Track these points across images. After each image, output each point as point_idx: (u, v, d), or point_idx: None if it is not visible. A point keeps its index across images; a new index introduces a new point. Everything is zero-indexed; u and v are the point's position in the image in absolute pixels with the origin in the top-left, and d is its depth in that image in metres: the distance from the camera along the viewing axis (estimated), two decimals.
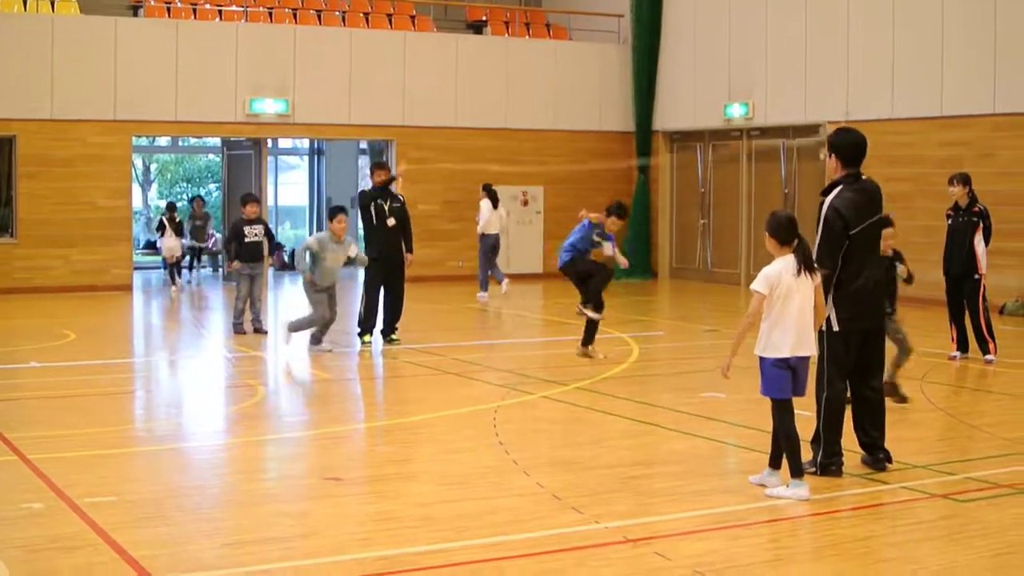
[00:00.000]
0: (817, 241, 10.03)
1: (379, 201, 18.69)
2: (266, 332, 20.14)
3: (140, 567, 7.75)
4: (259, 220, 20.63)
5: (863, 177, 10.28)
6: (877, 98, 26.14)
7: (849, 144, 10.26)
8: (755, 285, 9.56)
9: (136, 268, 30.46)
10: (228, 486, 10.30)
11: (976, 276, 17.14)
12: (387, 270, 18.73)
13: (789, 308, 9.45)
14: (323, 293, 17.65)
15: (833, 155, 10.30)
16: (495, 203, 26.47)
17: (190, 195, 44.63)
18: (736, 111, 30.21)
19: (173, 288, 27.75)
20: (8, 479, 10.14)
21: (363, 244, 19.50)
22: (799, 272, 9.48)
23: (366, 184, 19.42)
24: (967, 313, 17.33)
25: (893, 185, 24.39)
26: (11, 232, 27.33)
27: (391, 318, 18.88)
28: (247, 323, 20.25)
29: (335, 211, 17.88)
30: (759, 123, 29.78)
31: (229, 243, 20.74)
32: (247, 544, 8.34)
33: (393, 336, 18.79)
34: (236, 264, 20.16)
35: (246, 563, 7.90)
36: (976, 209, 17.24)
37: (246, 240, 20.21)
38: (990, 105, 24.03)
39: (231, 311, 20.79)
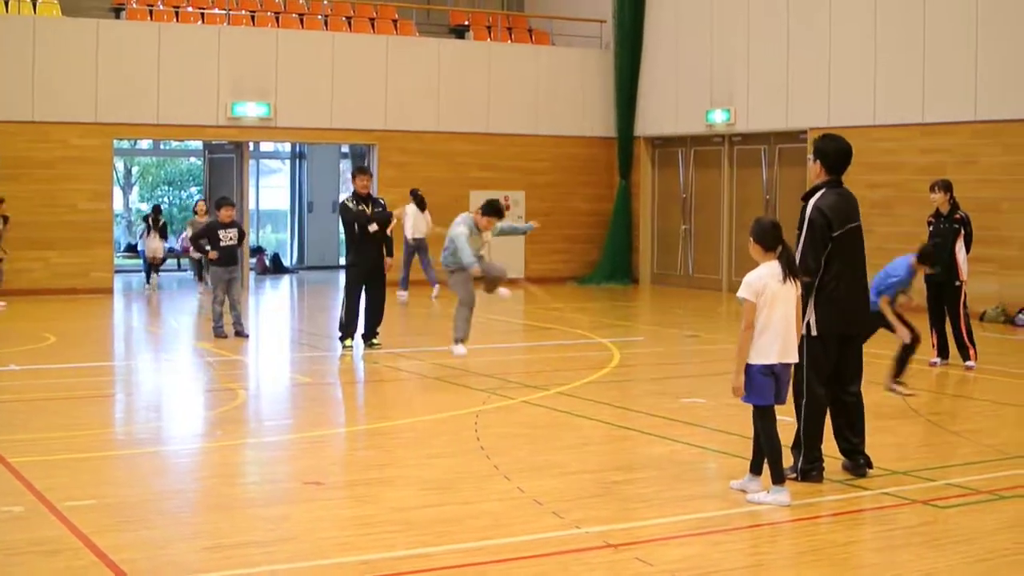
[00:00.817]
0: (800, 243, 10.05)
1: (361, 207, 18.64)
2: (247, 335, 20.13)
3: (120, 571, 7.73)
4: (233, 224, 20.55)
5: (842, 185, 10.33)
6: (859, 105, 26.20)
7: (835, 151, 10.29)
8: (742, 293, 9.54)
9: (117, 271, 30.40)
10: (208, 490, 10.28)
11: (957, 283, 17.19)
12: (368, 275, 18.68)
13: (775, 314, 9.46)
14: (462, 274, 17.08)
15: (818, 160, 10.33)
16: (422, 208, 26.69)
17: (171, 198, 44.61)
18: (718, 117, 30.25)
19: (147, 287, 27.77)
20: None
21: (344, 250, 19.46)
22: (784, 279, 9.49)
23: (347, 188, 19.35)
24: (948, 320, 17.36)
25: (875, 192, 24.51)
26: None
27: (372, 322, 18.85)
28: (227, 327, 20.21)
29: (489, 208, 17.19)
30: (741, 129, 29.82)
31: (198, 240, 20.77)
32: (227, 548, 8.32)
33: (374, 340, 18.77)
34: (213, 254, 20.17)
35: (226, 567, 7.88)
36: (957, 216, 17.29)
37: (222, 244, 20.17)
38: (971, 112, 24.10)
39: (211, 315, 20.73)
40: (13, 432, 12.22)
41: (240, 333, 20.22)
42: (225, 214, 20.46)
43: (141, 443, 12.23)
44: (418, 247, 27.50)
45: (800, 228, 10.15)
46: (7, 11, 28.14)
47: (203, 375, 17.05)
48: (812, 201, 10.16)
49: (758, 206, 28.90)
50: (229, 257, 20.27)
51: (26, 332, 20.60)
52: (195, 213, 22.65)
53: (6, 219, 25.73)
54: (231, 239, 20.28)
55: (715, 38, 30.26)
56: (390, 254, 19.00)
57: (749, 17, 29.23)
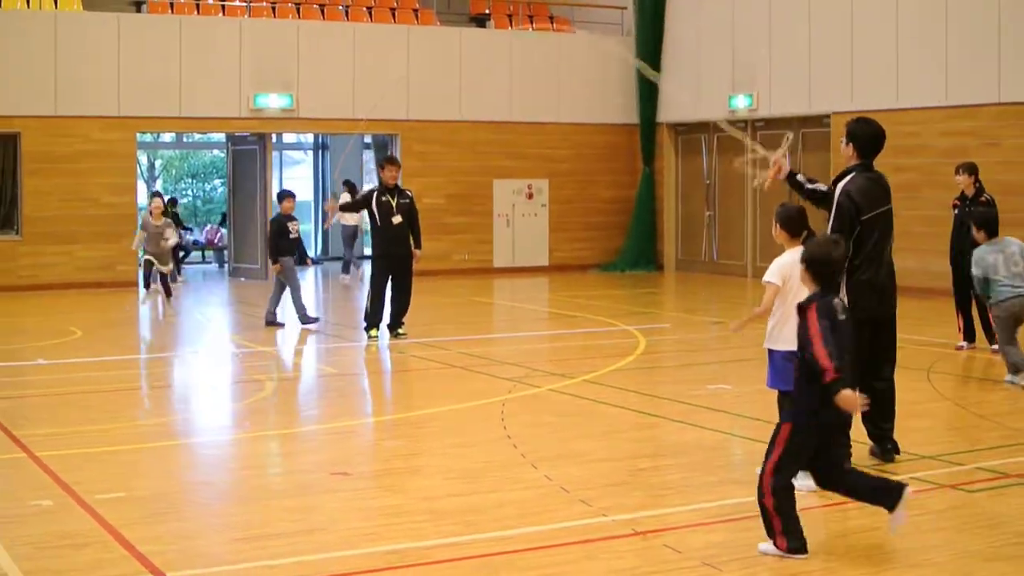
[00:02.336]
0: (828, 227, 10.02)
1: (385, 198, 18.63)
2: (316, 319, 20.63)
3: (149, 563, 7.75)
4: (294, 216, 20.95)
5: (874, 169, 10.30)
6: (882, 88, 26.11)
7: (868, 135, 10.27)
8: (768, 276, 9.51)
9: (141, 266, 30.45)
10: (236, 481, 10.31)
11: None
12: (393, 266, 18.68)
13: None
14: None
15: (851, 144, 10.30)
16: (353, 195, 27.26)
17: (195, 191, 44.67)
18: (740, 102, 30.18)
19: (147, 293, 27.96)
20: (17, 476, 10.15)
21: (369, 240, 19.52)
22: None
23: (372, 179, 19.40)
24: (974, 303, 17.29)
25: (899, 175, 24.36)
26: (16, 229, 27.34)
27: (398, 312, 18.84)
28: (280, 315, 20.80)
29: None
30: (763, 114, 29.73)
31: (274, 240, 20.87)
32: (255, 539, 8.33)
33: (399, 330, 18.77)
34: (277, 267, 20.50)
35: (255, 558, 7.89)
36: (983, 199, 17.20)
37: (291, 236, 20.62)
38: (995, 94, 24.00)
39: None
40: (41, 426, 12.27)
41: (308, 320, 20.54)
42: (288, 206, 20.81)
43: (169, 435, 12.27)
44: (352, 233, 29.71)
45: (830, 211, 10.13)
46: (29, 6, 28.20)
47: (230, 367, 17.09)
48: (840, 185, 10.14)
49: (782, 192, 28.65)
50: (297, 248, 20.91)
51: (52, 326, 20.67)
52: (150, 213, 21.40)
53: None
54: (296, 231, 20.75)
55: (736, 23, 30.18)
56: (418, 246, 18.97)
57: (770, 1, 29.14)
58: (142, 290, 19.32)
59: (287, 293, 20.52)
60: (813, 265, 8.18)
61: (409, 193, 19.12)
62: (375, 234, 18.93)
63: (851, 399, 7.76)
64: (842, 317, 8.06)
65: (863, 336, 10.02)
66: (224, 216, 34.72)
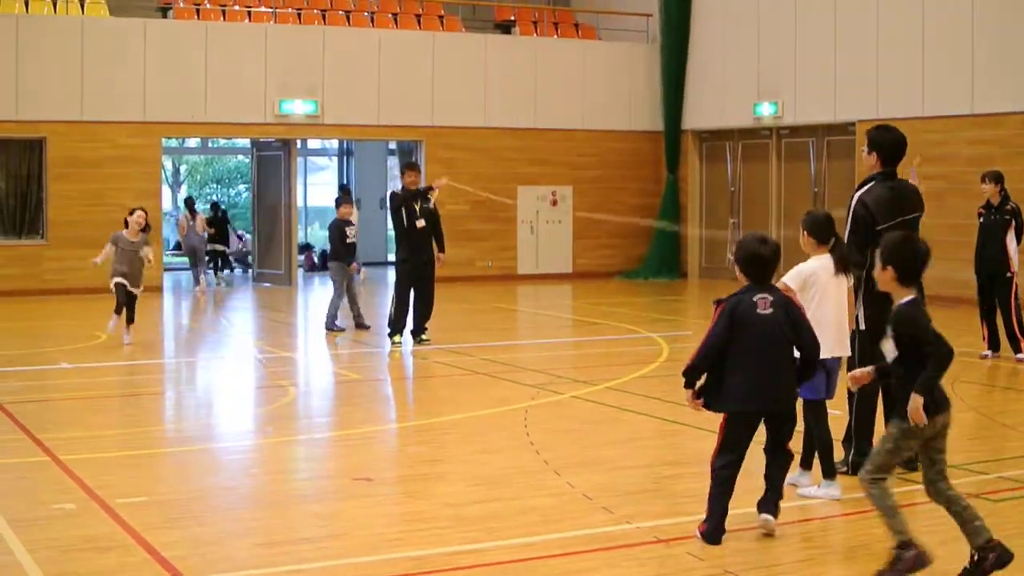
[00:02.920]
0: (846, 236, 10.00)
1: (410, 203, 18.66)
2: (368, 327, 20.70)
3: (172, 567, 7.76)
4: (351, 221, 21.12)
5: (898, 177, 10.25)
6: (908, 96, 26.06)
7: (890, 143, 10.23)
8: (786, 279, 9.47)
9: (166, 269, 30.53)
10: (259, 486, 10.32)
11: (1008, 274, 17.04)
12: (417, 271, 18.70)
13: (826, 307, 9.41)
14: None
15: (873, 152, 10.26)
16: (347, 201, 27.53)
17: (219, 196, 44.77)
18: (765, 110, 30.14)
19: (197, 288, 27.91)
20: (40, 480, 10.18)
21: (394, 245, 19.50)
22: (836, 272, 9.45)
23: (396, 185, 19.44)
24: (998, 312, 17.24)
25: (925, 184, 24.23)
26: (41, 233, 27.45)
27: (421, 319, 18.86)
28: (345, 320, 20.92)
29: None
30: (788, 122, 29.70)
31: (333, 244, 21.09)
32: (278, 544, 8.34)
33: (423, 336, 18.78)
34: (352, 267, 20.86)
35: (277, 563, 7.90)
36: (1008, 207, 17.15)
37: (348, 240, 20.81)
38: (1021, 103, 23.93)
39: (260, 311, 20.81)
40: (65, 430, 12.30)
41: (360, 325, 20.71)
42: (346, 211, 21.07)
43: (192, 440, 12.29)
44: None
45: (847, 219, 10.12)
46: (55, 11, 28.31)
47: (253, 372, 17.12)
48: (858, 194, 10.12)
49: (807, 199, 28.77)
50: (352, 252, 20.93)
51: (76, 331, 20.73)
52: (125, 226, 19.91)
53: None
54: (353, 235, 20.94)
55: (762, 31, 30.15)
56: (441, 250, 18.98)
57: (796, 9, 29.12)
58: (113, 317, 18.76)
59: (356, 295, 21.14)
60: (740, 262, 8.63)
61: (431, 197, 19.16)
62: (400, 239, 18.93)
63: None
64: (765, 312, 8.40)
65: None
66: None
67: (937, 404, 7.42)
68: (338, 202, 21.57)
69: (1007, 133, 24.18)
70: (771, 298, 8.46)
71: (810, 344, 8.51)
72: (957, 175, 24.43)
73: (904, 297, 7.52)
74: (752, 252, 8.60)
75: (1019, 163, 23.21)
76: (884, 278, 7.61)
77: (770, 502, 8.47)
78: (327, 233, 21.84)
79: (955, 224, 22.60)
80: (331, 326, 20.53)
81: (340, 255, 20.85)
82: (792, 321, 8.46)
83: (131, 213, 19.75)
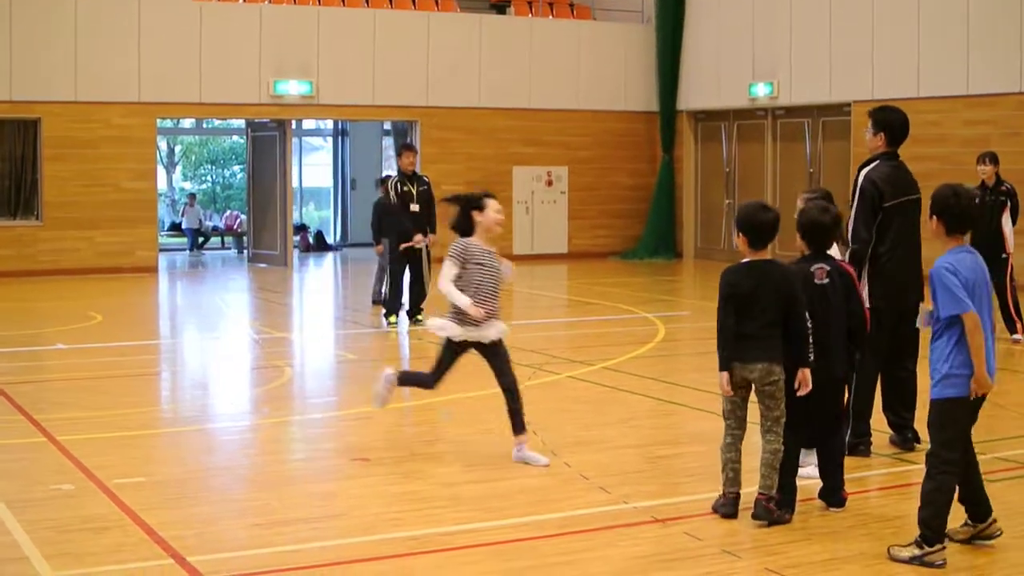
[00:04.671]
0: (852, 213, 10.01)
1: (406, 187, 18.66)
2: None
3: (170, 547, 7.77)
4: None
5: (900, 158, 10.29)
6: (903, 77, 26.05)
7: (898, 123, 10.27)
8: None
9: (161, 250, 30.52)
10: (256, 467, 10.34)
11: (1004, 255, 17.04)
12: (411, 253, 18.69)
13: None
14: None
15: (881, 132, 10.26)
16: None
17: (214, 177, 44.74)
18: (761, 90, 30.12)
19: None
20: (38, 461, 10.19)
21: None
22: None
23: (391, 166, 19.41)
24: (994, 293, 17.23)
25: (919, 164, 24.10)
26: (36, 215, 27.41)
27: (416, 299, 18.85)
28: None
29: None
30: (784, 102, 29.68)
31: (376, 223, 20.99)
32: (276, 524, 8.36)
33: (418, 317, 18.79)
34: (379, 248, 20.62)
35: (275, 543, 7.92)
36: (1003, 188, 17.15)
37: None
38: (1016, 83, 23.93)
39: (256, 292, 20.81)
40: (62, 411, 12.31)
41: (378, 300, 20.72)
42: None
43: (189, 421, 12.31)
44: None
45: (852, 198, 10.12)
46: None
47: (249, 353, 17.13)
48: (864, 172, 10.14)
49: (802, 179, 28.76)
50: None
51: (72, 311, 20.71)
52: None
53: None
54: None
55: (757, 10, 30.11)
56: (433, 231, 18.99)
57: None
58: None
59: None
60: (803, 230, 8.85)
61: (427, 179, 19.17)
62: (393, 221, 18.92)
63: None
64: (822, 282, 8.64)
65: (886, 326, 10.00)
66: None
67: None
68: (381, 181, 21.70)
69: (1002, 114, 24.17)
70: (828, 267, 8.65)
71: (859, 312, 8.65)
72: (952, 156, 24.42)
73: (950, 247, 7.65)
74: (814, 220, 8.81)
75: (1013, 144, 23.22)
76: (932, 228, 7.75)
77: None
78: (371, 209, 21.63)
79: None
80: (378, 299, 20.72)
81: (380, 232, 20.76)
82: (845, 288, 8.60)
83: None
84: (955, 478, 7.62)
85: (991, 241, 16.98)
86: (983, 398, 7.67)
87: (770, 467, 8.37)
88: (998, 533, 7.87)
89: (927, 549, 7.45)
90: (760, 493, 8.33)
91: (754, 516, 8.28)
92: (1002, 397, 13.28)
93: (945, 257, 7.59)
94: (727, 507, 8.41)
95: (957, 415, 7.62)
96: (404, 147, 19.58)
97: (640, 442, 11.02)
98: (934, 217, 7.71)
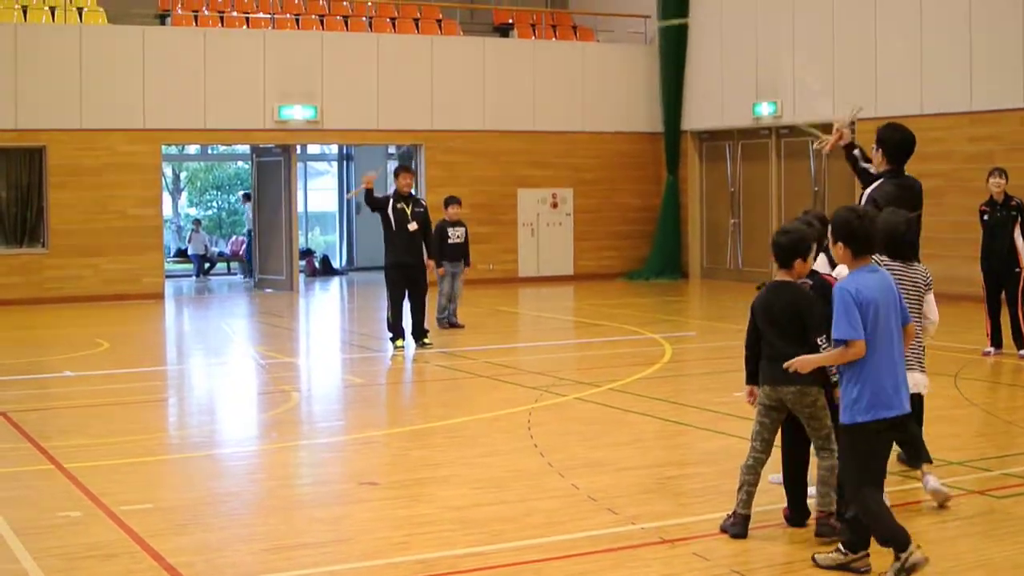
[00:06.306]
0: None
1: (400, 206, 18.69)
2: (461, 326, 21.26)
3: (178, 574, 7.77)
4: (460, 222, 21.76)
5: (906, 174, 10.30)
6: (906, 94, 26.05)
7: (897, 141, 10.30)
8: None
9: (167, 276, 30.53)
10: (263, 492, 10.32)
11: (1016, 270, 17.01)
12: (408, 275, 18.68)
13: None
14: None
15: (880, 150, 10.31)
16: None
17: (220, 202, 44.77)
18: (765, 110, 30.14)
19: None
20: (45, 488, 10.18)
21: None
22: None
23: (390, 190, 19.44)
24: (1004, 309, 17.22)
25: (924, 181, 24.16)
26: (42, 242, 27.43)
27: (419, 321, 18.81)
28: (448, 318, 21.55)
29: None
30: (788, 121, 29.68)
31: (436, 244, 21.21)
32: (284, 550, 8.35)
33: (425, 340, 18.78)
34: (441, 271, 21.22)
35: (283, 568, 7.91)
36: (1013, 203, 17.13)
37: (449, 241, 21.41)
38: (1020, 99, 23.93)
39: (262, 317, 20.82)
40: (69, 438, 12.31)
41: (453, 324, 21.35)
42: (453, 212, 21.70)
43: (196, 447, 12.30)
44: None
45: None
46: (53, 20, 28.30)
47: (256, 378, 17.12)
48: (867, 192, 10.18)
49: (807, 198, 28.76)
50: (454, 253, 21.52)
51: (79, 338, 20.72)
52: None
53: None
54: (458, 237, 21.58)
55: (760, 30, 30.14)
56: (431, 255, 19.01)
57: (794, 9, 29.10)
58: None
59: (454, 295, 21.62)
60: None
61: (423, 202, 19.24)
62: (389, 242, 18.88)
63: None
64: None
65: None
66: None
67: None
68: (446, 203, 21.96)
69: (1006, 130, 24.16)
70: (811, 282, 8.74)
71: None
72: (956, 172, 24.43)
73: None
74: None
75: (1018, 159, 23.18)
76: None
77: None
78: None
79: (955, 221, 22.61)
80: (440, 323, 21.37)
81: (444, 255, 21.31)
82: (824, 301, 8.49)
83: None
84: (876, 493, 7.61)
85: (1005, 256, 16.96)
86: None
87: (826, 484, 8.38)
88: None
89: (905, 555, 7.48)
90: (819, 511, 8.37)
91: (817, 534, 8.33)
92: (1012, 414, 13.30)
93: (850, 278, 7.64)
94: (736, 527, 8.41)
95: (867, 438, 7.58)
96: (400, 168, 19.58)
97: (648, 463, 11.01)
98: (839, 243, 7.71)
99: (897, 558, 7.40)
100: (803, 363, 7.88)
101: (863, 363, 7.49)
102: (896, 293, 7.68)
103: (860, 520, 7.61)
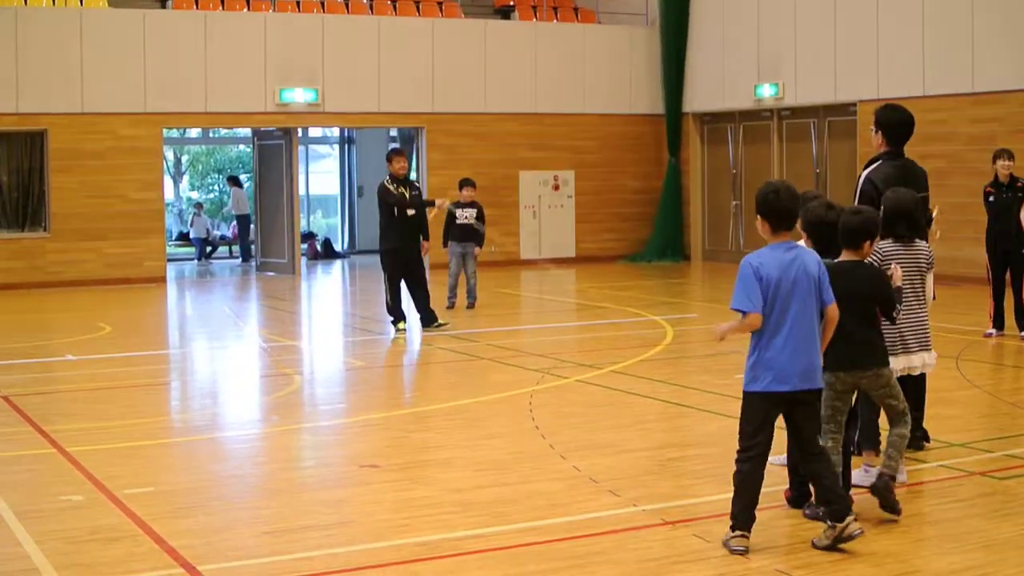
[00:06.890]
0: None
1: (400, 190, 18.65)
2: (472, 307, 21.52)
3: (180, 557, 7.77)
4: (473, 204, 21.80)
5: (905, 156, 10.27)
6: (908, 76, 26.01)
7: (896, 123, 10.25)
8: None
9: (169, 260, 30.53)
10: (265, 475, 10.33)
11: (1023, 251, 17.00)
12: (407, 260, 18.62)
13: None
14: None
15: (879, 132, 10.28)
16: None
17: (221, 186, 44.75)
18: (766, 91, 30.10)
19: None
20: (47, 472, 10.19)
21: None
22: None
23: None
24: (1008, 290, 17.20)
25: (927, 163, 24.13)
26: (44, 226, 27.43)
27: (425, 304, 18.72)
28: (459, 298, 21.67)
29: None
30: (789, 103, 29.67)
31: (445, 226, 21.92)
32: (286, 532, 8.35)
33: (438, 322, 18.70)
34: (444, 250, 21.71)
35: (285, 551, 7.92)
36: (1020, 184, 17.10)
37: (457, 221, 21.59)
38: (1023, 80, 23.89)
39: (263, 300, 20.82)
40: (71, 421, 12.32)
41: (471, 305, 21.61)
42: (466, 194, 21.82)
43: (198, 430, 12.31)
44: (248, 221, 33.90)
45: (855, 197, 10.13)
46: (54, 3, 28.26)
47: (258, 361, 17.13)
48: (865, 173, 10.15)
49: (809, 180, 28.73)
50: (463, 234, 21.62)
51: (81, 322, 20.74)
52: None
53: None
54: (467, 217, 21.65)
55: (761, 12, 30.09)
56: (426, 237, 18.97)
57: None
58: None
59: (464, 276, 21.74)
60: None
61: (418, 185, 19.24)
62: (388, 227, 18.74)
63: None
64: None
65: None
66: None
67: None
68: (461, 185, 22.13)
69: (1008, 111, 24.12)
70: None
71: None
72: (959, 154, 24.41)
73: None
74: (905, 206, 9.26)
75: (1020, 141, 23.14)
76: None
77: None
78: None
79: (958, 203, 22.56)
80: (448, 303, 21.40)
81: (447, 236, 21.71)
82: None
83: None
84: (753, 465, 7.88)
85: (1011, 236, 16.94)
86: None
87: (896, 448, 8.62)
88: (858, 532, 7.81)
89: (731, 534, 7.81)
90: (882, 470, 8.53)
91: (872, 488, 8.51)
92: (1014, 395, 13.31)
93: (758, 252, 7.93)
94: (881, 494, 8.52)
95: (757, 407, 7.91)
96: (395, 152, 19.37)
97: (649, 445, 11.01)
98: (759, 217, 7.97)
99: (738, 534, 7.73)
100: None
101: (759, 335, 7.87)
102: (815, 275, 7.85)
103: (829, 489, 7.79)
